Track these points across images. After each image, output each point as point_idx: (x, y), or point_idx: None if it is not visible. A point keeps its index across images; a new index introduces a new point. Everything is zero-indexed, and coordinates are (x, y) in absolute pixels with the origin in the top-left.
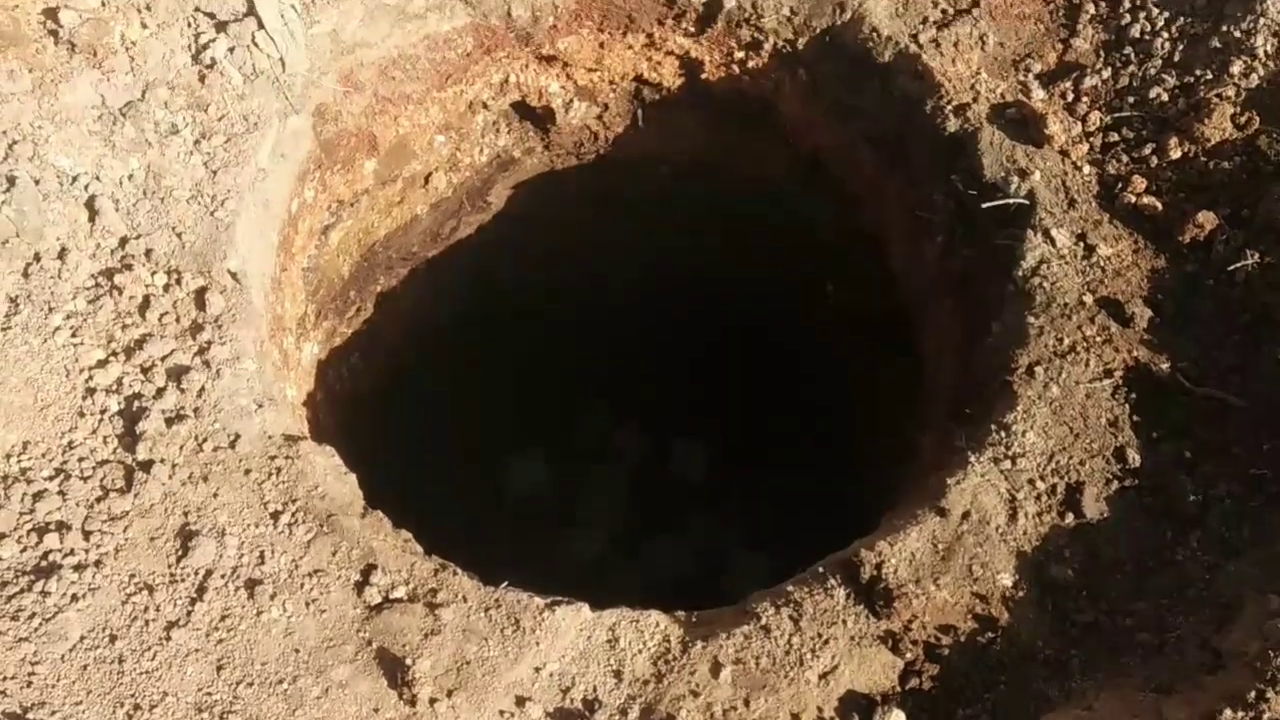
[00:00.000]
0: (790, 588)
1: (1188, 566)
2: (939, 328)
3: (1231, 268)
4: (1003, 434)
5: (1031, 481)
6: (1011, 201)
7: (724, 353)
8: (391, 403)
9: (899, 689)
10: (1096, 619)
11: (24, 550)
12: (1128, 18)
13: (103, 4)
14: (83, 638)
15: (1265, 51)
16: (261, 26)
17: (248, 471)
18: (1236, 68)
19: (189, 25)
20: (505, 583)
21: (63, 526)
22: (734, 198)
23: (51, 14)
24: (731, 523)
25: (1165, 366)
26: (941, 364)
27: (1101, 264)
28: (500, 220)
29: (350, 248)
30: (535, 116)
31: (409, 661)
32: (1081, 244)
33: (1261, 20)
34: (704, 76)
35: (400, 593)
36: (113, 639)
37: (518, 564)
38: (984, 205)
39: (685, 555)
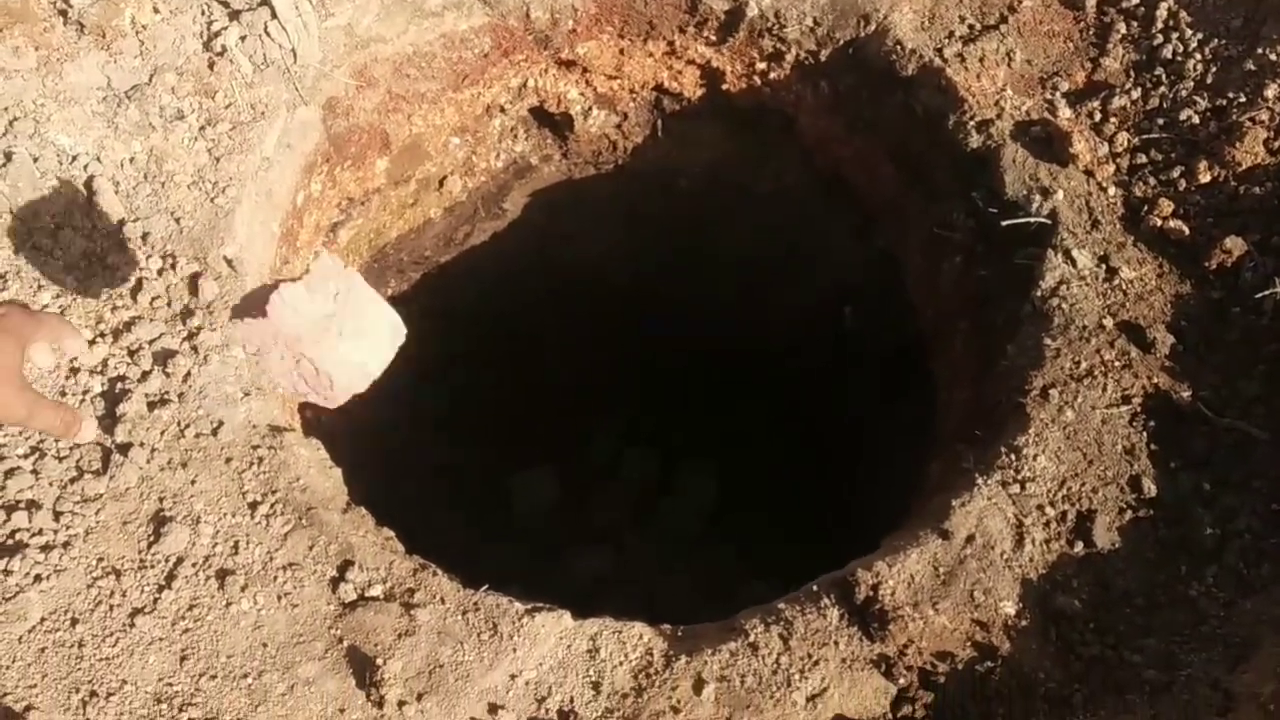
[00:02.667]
0: (781, 605)
1: (1202, 603)
2: (954, 351)
3: (1259, 295)
4: (1012, 457)
5: (1041, 507)
6: (1033, 220)
7: (735, 372)
8: (398, 408)
9: (890, 716)
10: (1103, 653)
11: None
12: (1160, 38)
13: None
14: (43, 619)
15: None
16: (275, 16)
17: (229, 460)
18: (1271, 91)
19: (202, 12)
20: (485, 586)
21: (33, 505)
22: (751, 213)
23: None
24: (739, 550)
25: (1186, 395)
26: (955, 388)
27: (1124, 287)
28: (515, 228)
29: (360, 247)
30: (553, 123)
31: (380, 662)
32: (1104, 266)
33: None
34: (725, 87)
35: (376, 591)
36: (74, 623)
37: (520, 581)
38: (1004, 224)
39: (689, 582)
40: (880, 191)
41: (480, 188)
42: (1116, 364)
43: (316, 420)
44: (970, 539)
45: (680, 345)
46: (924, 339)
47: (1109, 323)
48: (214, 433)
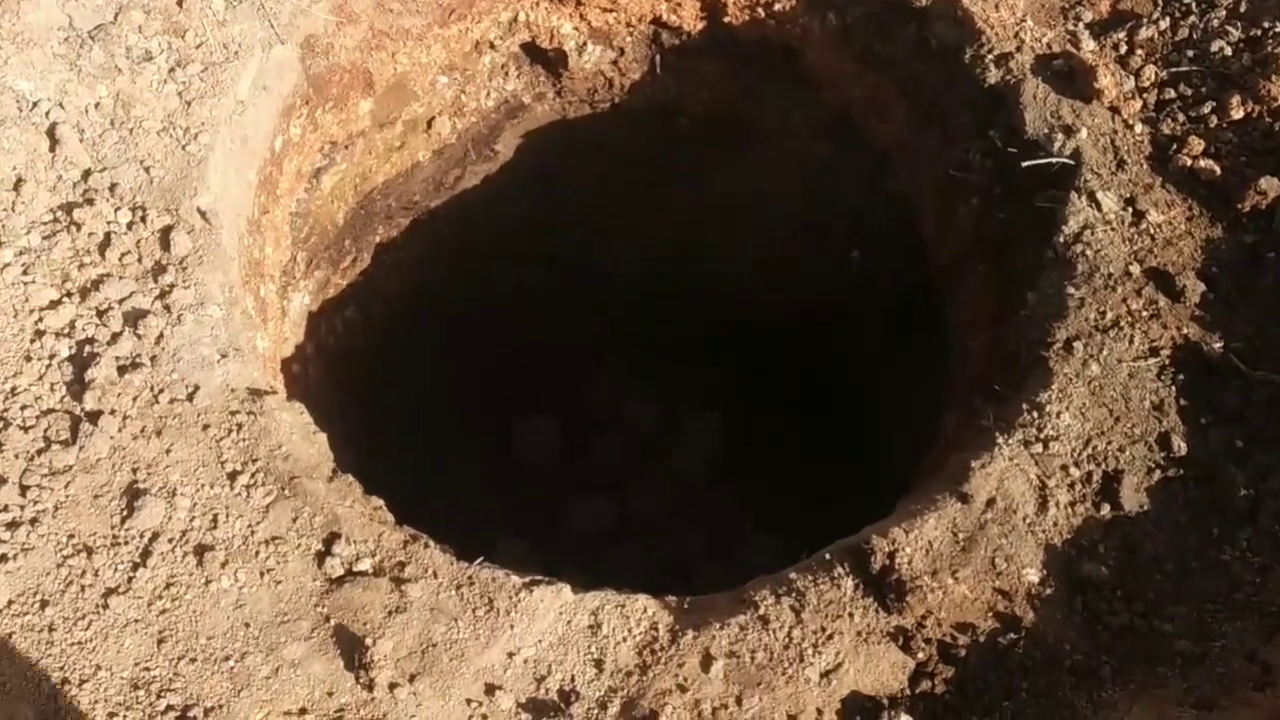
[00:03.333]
0: (793, 575)
1: (1236, 568)
2: (970, 298)
3: None
4: (1035, 414)
5: (1065, 468)
6: (1054, 161)
7: (741, 321)
8: (389, 360)
9: (908, 692)
10: (1131, 622)
11: None
12: None
13: None
14: (10, 602)
15: None
16: None
17: (205, 427)
18: None
19: None
20: (480, 558)
21: None
22: (755, 154)
23: None
24: (745, 502)
25: (1218, 346)
26: (971, 337)
27: (1151, 232)
28: (508, 170)
29: (345, 193)
30: (546, 60)
31: (369, 641)
32: (1130, 209)
33: None
34: (727, 20)
35: (365, 565)
36: (44, 605)
37: (520, 533)
38: (1024, 165)
39: (695, 534)
40: (892, 130)
41: (470, 129)
42: (1144, 314)
43: (304, 375)
44: (991, 502)
45: (682, 292)
46: (938, 284)
47: (1135, 270)
48: (189, 398)
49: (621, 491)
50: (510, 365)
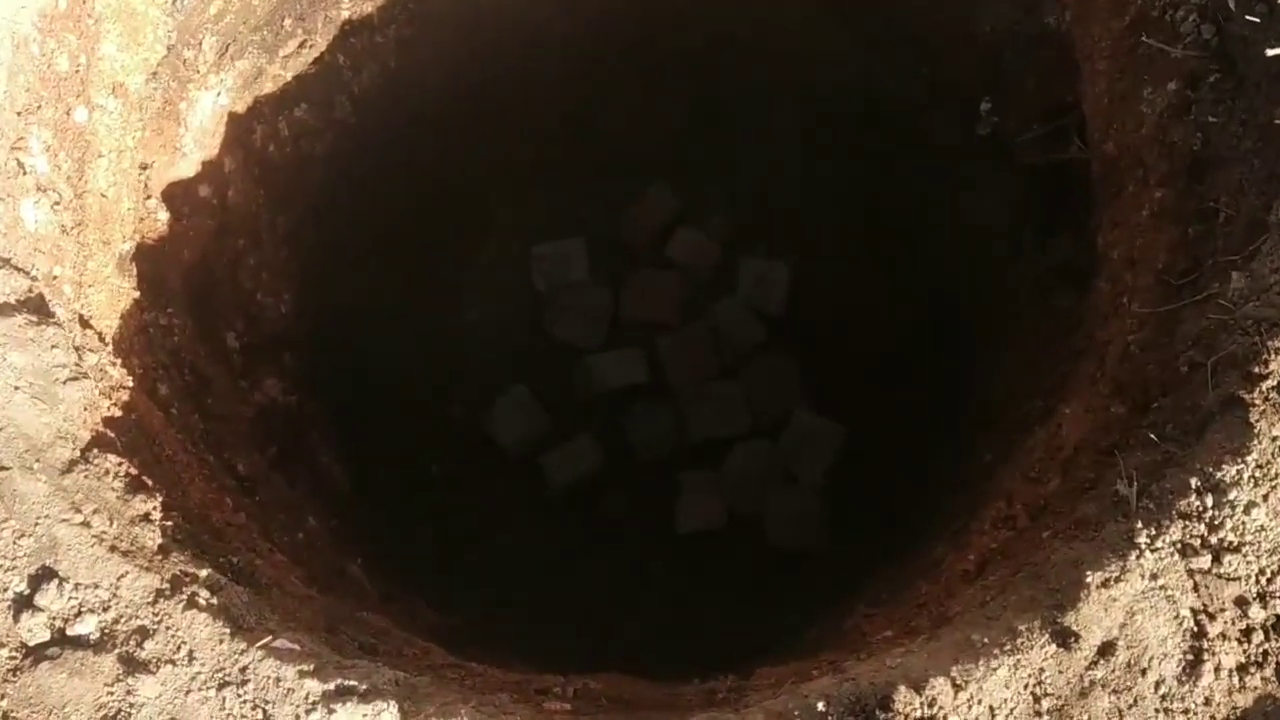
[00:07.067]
0: None
1: None
2: (1133, 228)
3: None
4: (1209, 499)
5: (1242, 602)
6: None
7: (822, 157)
8: (358, 170)
9: None
10: None
11: None
12: None
13: None
14: None
15: None
16: None
17: None
18: None
19: None
20: (271, 637)
21: None
22: None
23: None
24: (804, 376)
25: None
26: (1124, 288)
27: None
28: None
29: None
30: None
31: None
32: None
33: None
34: None
35: (87, 627)
36: None
37: (536, 389)
38: (1271, 51)
39: (740, 406)
40: None
41: None
42: None
43: (220, 198)
44: (1107, 649)
45: (762, 119)
46: (1089, 178)
47: None
48: None
49: (654, 344)
50: (519, 176)
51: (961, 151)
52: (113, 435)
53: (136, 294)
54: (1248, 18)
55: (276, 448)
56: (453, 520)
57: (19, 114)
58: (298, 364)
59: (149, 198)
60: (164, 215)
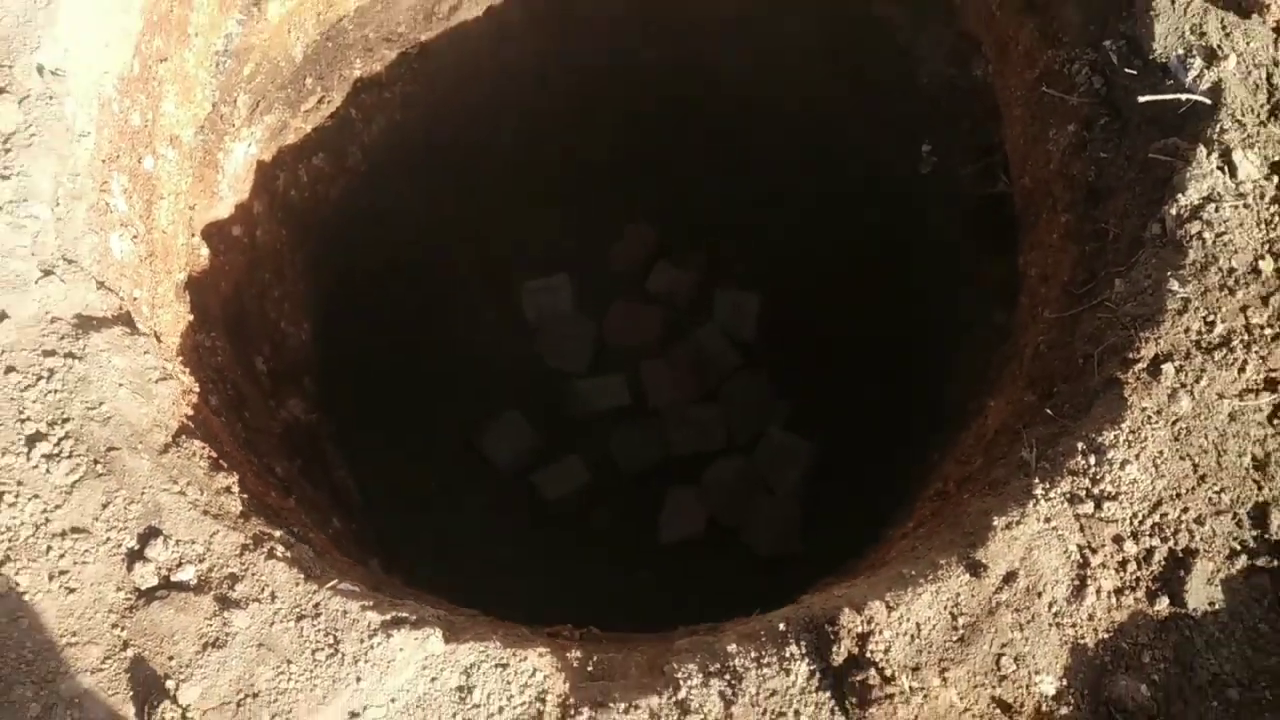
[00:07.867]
0: (732, 646)
1: None
2: (1045, 249)
3: None
4: (1092, 459)
5: (1118, 540)
6: (1185, 97)
7: (791, 203)
8: (369, 211)
9: None
10: None
11: None
12: None
13: None
14: None
15: None
16: None
17: (9, 370)
18: None
19: None
20: (335, 580)
21: None
22: (823, 24)
23: None
24: (775, 395)
25: None
26: (1041, 299)
27: None
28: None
29: (304, 24)
30: None
31: (171, 685)
32: (1276, 179)
33: None
34: None
35: (187, 575)
36: None
37: (528, 412)
38: (1143, 99)
39: (717, 424)
40: (984, 13)
41: None
42: (1267, 332)
43: (249, 238)
44: (1010, 578)
45: (733, 161)
46: (1013, 208)
47: (1268, 267)
48: None
49: (636, 370)
50: (515, 216)
51: (912, 186)
52: (193, 426)
53: (190, 317)
54: (1127, 70)
55: (301, 460)
56: (451, 533)
57: (104, 161)
58: (317, 387)
59: (194, 235)
60: (205, 251)
